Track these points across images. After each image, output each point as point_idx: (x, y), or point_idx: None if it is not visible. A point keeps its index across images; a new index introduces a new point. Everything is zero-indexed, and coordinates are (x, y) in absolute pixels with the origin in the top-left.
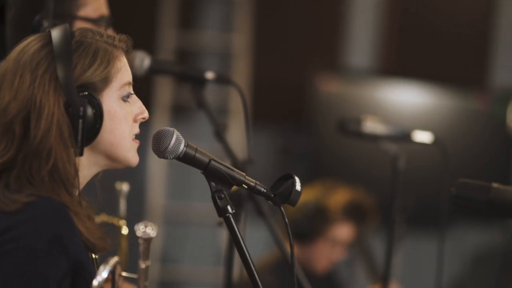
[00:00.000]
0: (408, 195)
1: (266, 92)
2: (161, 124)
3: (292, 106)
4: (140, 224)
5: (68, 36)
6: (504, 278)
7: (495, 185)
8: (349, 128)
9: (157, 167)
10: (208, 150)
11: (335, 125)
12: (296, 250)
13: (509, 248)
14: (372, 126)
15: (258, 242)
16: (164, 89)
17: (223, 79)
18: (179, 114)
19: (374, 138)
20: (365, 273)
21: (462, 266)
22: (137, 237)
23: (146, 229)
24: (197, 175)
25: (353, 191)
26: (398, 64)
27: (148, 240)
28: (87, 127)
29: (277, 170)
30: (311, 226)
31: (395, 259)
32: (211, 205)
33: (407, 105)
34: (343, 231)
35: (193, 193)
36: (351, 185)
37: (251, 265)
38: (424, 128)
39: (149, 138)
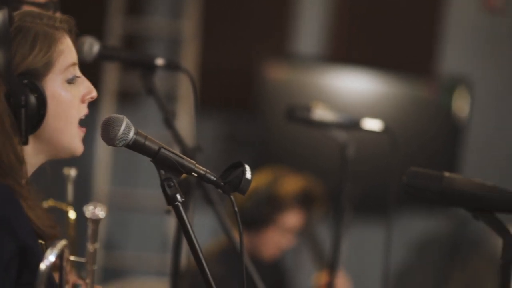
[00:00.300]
0: (356, 183)
1: (214, 78)
2: (108, 110)
3: (240, 93)
4: (88, 205)
5: (6, 23)
6: (449, 264)
7: (446, 174)
8: (298, 115)
9: (103, 153)
10: (155, 137)
11: (284, 112)
12: (244, 237)
13: (454, 235)
14: (321, 113)
15: (204, 229)
16: (111, 75)
17: (173, 65)
18: (126, 100)
19: (323, 125)
20: (312, 260)
21: (407, 254)
22: (86, 220)
23: (95, 210)
24: (143, 162)
25: (303, 178)
26: (347, 51)
27: (96, 222)
28: (31, 115)
29: (224, 157)
30: (261, 213)
31: (342, 247)
32: (156, 192)
33: (356, 92)
34: (293, 219)
35: (139, 180)
36: (299, 172)
37: (200, 254)
38: (372, 115)
39: (95, 124)
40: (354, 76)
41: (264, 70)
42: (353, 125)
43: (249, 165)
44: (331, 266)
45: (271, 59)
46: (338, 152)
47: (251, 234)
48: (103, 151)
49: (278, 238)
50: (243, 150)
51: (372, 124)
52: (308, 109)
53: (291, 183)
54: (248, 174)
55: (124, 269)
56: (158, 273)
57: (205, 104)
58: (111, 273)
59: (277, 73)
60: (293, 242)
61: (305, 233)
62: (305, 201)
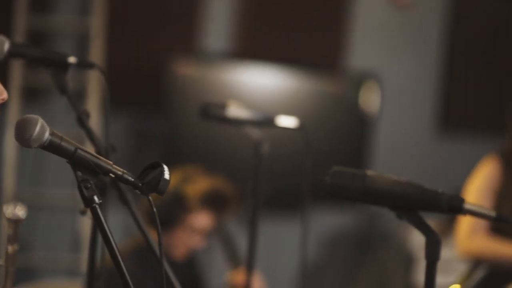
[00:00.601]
0: (270, 181)
1: (123, 76)
2: (13, 109)
3: (149, 90)
4: (8, 205)
5: None
6: (359, 259)
7: (370, 173)
8: (212, 112)
9: (10, 152)
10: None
11: (197, 109)
12: (154, 237)
13: (363, 229)
14: (235, 111)
15: (117, 228)
16: (15, 71)
17: (86, 63)
18: (31, 97)
19: (237, 123)
20: (226, 260)
21: (318, 249)
22: (5, 220)
23: (15, 211)
24: (52, 160)
25: (212, 178)
26: (255, 47)
27: (17, 222)
28: None
29: (134, 155)
30: (169, 214)
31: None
32: (66, 190)
33: (265, 88)
34: (202, 220)
35: (47, 178)
36: (210, 171)
37: (118, 255)
38: (280, 111)
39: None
40: (262, 72)
41: (173, 67)
42: (267, 122)
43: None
44: (248, 265)
45: (180, 56)
46: (252, 150)
47: (162, 233)
48: (10, 149)
49: (186, 238)
50: (152, 148)
51: (286, 121)
52: (222, 106)
53: (200, 183)
54: (167, 175)
55: (34, 270)
56: (70, 273)
57: (113, 101)
58: (22, 274)
59: (186, 70)
60: (203, 242)
61: (218, 233)
62: (214, 202)
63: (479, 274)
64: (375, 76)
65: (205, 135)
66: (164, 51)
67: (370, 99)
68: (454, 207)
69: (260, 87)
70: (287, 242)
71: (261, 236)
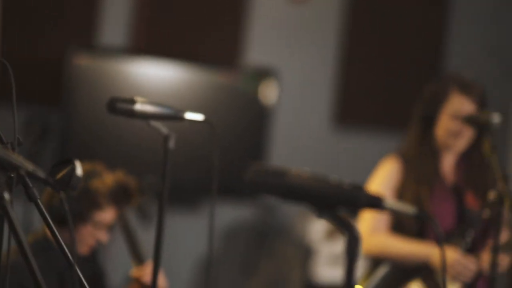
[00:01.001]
0: (176, 174)
1: (20, 70)
2: None
3: (48, 84)
4: None
5: None
6: (257, 252)
7: (290, 171)
8: (120, 107)
9: None
10: None
11: (105, 104)
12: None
13: (262, 223)
14: (142, 105)
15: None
16: None
17: None
18: None
19: (145, 117)
20: (129, 254)
21: (217, 242)
22: None
23: None
24: None
25: (116, 173)
26: (153, 42)
27: None
28: None
29: (32, 150)
30: (75, 209)
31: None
32: None
33: (163, 83)
34: (108, 215)
35: None
36: (113, 166)
37: (27, 251)
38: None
39: None
40: (161, 67)
41: (71, 61)
42: (174, 116)
43: (58, 158)
44: (154, 259)
45: (77, 49)
46: (159, 144)
47: (63, 229)
48: None
49: (92, 233)
50: (50, 143)
51: (194, 116)
52: (130, 101)
53: (103, 179)
54: (79, 171)
55: None
56: None
57: (10, 95)
58: None
59: (84, 64)
60: (107, 237)
61: (121, 228)
62: (121, 196)
63: (382, 271)
64: (273, 72)
65: (107, 129)
66: (63, 45)
67: (268, 94)
68: (374, 203)
69: (158, 82)
70: (188, 235)
71: (165, 229)
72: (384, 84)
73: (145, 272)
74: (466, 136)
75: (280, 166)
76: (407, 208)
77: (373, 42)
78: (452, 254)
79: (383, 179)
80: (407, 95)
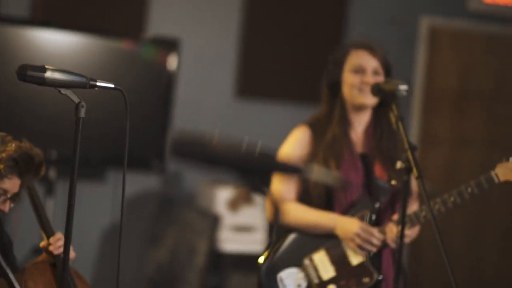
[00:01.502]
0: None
1: None
2: None
3: None
4: None
5: None
6: (162, 220)
7: (212, 140)
8: (30, 75)
9: None
10: None
11: (15, 71)
12: None
13: (167, 191)
14: (53, 73)
15: None
16: None
17: None
18: None
19: (56, 85)
20: (39, 225)
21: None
22: None
23: None
24: None
25: (20, 142)
26: (56, 13)
27: None
28: None
29: None
30: None
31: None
32: None
33: (66, 54)
34: (7, 184)
35: None
36: (18, 137)
37: None
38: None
39: None
40: (64, 38)
41: None
42: (85, 84)
43: None
44: (66, 230)
45: None
46: (70, 113)
47: None
48: None
49: None
50: None
51: (104, 84)
52: (40, 68)
53: (6, 147)
54: None
55: None
56: None
57: None
58: None
59: None
60: (8, 207)
61: (29, 200)
62: (20, 165)
63: (288, 240)
64: (176, 42)
65: (12, 100)
66: None
67: (172, 64)
68: (299, 169)
69: (63, 53)
70: (93, 205)
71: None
72: (286, 57)
73: (55, 244)
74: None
75: (201, 135)
76: (335, 176)
77: (276, 16)
78: (357, 223)
79: (292, 147)
80: (309, 68)
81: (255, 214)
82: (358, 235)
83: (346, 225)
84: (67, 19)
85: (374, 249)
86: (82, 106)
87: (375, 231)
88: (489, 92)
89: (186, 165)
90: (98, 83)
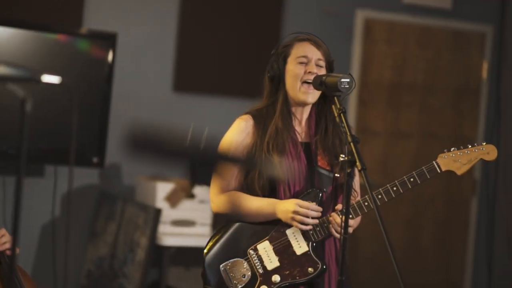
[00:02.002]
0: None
1: None
2: None
3: None
4: None
5: None
6: (103, 215)
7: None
8: None
9: None
10: None
11: None
12: None
13: (107, 185)
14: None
15: None
16: None
17: None
18: None
19: (2, 80)
20: None
21: (63, 205)
22: None
23: None
24: None
25: None
26: None
27: None
28: None
29: None
30: None
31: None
32: None
33: (2, 48)
34: None
35: None
36: None
37: None
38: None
39: None
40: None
41: None
42: (32, 78)
43: None
44: (14, 226)
45: None
46: (15, 108)
47: None
48: None
49: None
50: None
51: (51, 78)
52: None
53: None
54: None
55: None
56: None
57: None
58: None
59: None
60: None
61: None
62: None
63: (232, 229)
64: (114, 36)
65: None
66: None
67: (110, 59)
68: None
69: None
70: (34, 200)
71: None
72: (224, 51)
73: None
74: (313, 84)
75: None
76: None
77: (213, 11)
78: (293, 201)
79: (234, 136)
80: (247, 62)
81: (195, 208)
82: (297, 212)
83: (284, 206)
84: (2, 14)
85: (315, 222)
86: (28, 101)
87: (311, 204)
88: (423, 84)
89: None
90: (45, 79)
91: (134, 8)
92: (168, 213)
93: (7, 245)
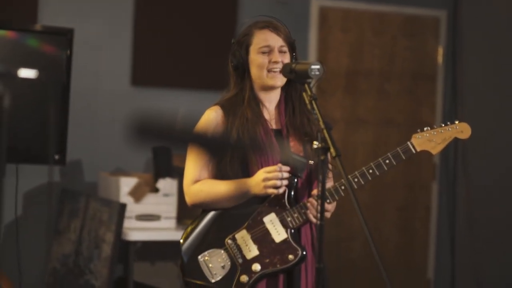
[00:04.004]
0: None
1: None
2: None
3: None
4: None
5: None
6: (66, 212)
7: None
8: None
9: None
10: None
11: None
12: None
13: (70, 182)
14: None
15: None
16: None
17: None
18: None
19: None
20: None
21: (25, 204)
22: None
23: None
24: None
25: None
26: None
27: None
28: None
29: None
30: None
31: None
32: None
33: None
34: None
35: None
36: None
37: None
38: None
39: None
40: None
41: None
42: (8, 74)
43: None
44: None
45: None
46: None
47: None
48: None
49: None
50: None
51: (27, 73)
52: None
53: None
54: None
55: None
56: None
57: None
58: None
59: None
60: None
61: None
62: None
63: (207, 219)
64: (69, 32)
65: None
66: None
67: (66, 54)
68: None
69: None
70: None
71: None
72: (181, 44)
73: None
74: (282, 73)
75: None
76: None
77: (169, 3)
78: (260, 171)
79: (205, 127)
80: (204, 54)
81: (159, 202)
82: (267, 178)
83: (253, 180)
84: None
85: (287, 182)
86: (5, 97)
87: (277, 166)
88: (380, 71)
89: (147, 145)
90: (22, 73)
91: (90, 3)
92: (133, 208)
93: None
